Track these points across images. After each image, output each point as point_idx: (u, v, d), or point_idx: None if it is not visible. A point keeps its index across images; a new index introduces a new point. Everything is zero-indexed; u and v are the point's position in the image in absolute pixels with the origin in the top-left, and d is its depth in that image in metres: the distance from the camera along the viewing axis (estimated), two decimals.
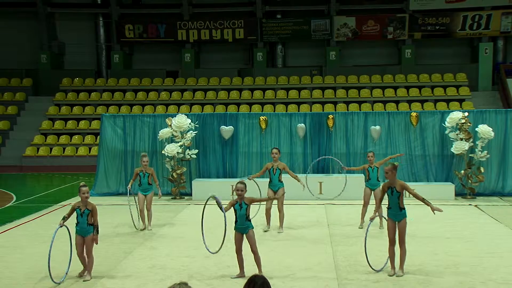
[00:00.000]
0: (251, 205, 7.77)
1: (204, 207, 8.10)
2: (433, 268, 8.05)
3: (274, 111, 23.35)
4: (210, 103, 25.48)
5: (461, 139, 13.85)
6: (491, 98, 25.25)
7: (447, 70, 26.08)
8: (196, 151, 14.72)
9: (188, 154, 14.56)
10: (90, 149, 23.34)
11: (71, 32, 28.55)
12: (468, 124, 13.88)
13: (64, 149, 23.68)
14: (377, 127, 14.57)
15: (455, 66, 26.45)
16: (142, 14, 28.50)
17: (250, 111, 23.40)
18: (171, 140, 14.62)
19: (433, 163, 14.59)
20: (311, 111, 23.43)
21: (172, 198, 14.50)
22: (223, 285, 7.51)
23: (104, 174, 15.14)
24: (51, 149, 23.67)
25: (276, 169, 10.49)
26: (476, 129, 13.91)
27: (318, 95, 25.55)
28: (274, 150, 10.70)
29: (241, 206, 7.62)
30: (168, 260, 8.69)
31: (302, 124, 14.82)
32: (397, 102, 24.82)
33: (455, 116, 13.97)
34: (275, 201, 10.35)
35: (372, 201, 10.71)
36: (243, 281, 4.12)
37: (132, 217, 10.84)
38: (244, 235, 7.68)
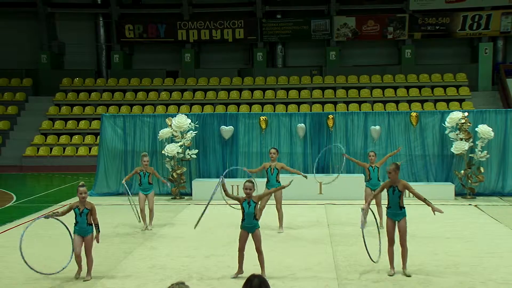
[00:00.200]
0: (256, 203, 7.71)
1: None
2: (433, 268, 8.06)
3: (274, 111, 23.35)
4: (210, 103, 25.49)
5: (461, 139, 13.86)
6: (491, 98, 25.26)
7: (447, 70, 26.08)
8: (196, 151, 14.73)
9: (188, 154, 14.57)
10: (90, 149, 23.34)
11: (71, 32, 28.56)
12: (468, 124, 13.88)
13: (64, 149, 23.68)
14: (377, 127, 14.57)
15: (455, 66, 26.46)
16: (142, 14, 28.51)
17: (250, 111, 23.40)
18: (171, 140, 14.62)
19: (433, 163, 14.60)
20: (311, 111, 23.44)
21: (172, 198, 14.50)
22: (223, 285, 7.51)
23: (104, 174, 15.14)
24: (51, 149, 23.68)
25: (274, 169, 10.49)
26: (476, 129, 13.92)
27: (318, 95, 25.55)
28: (272, 150, 10.71)
29: (249, 204, 7.56)
30: (168, 260, 8.69)
31: (302, 124, 14.83)
32: (397, 102, 24.82)
33: (455, 116, 13.98)
34: (272, 202, 10.32)
35: (373, 201, 10.70)
36: (243, 281, 4.11)
37: (134, 211, 10.88)
38: (250, 234, 7.64)
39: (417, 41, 27.03)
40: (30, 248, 9.43)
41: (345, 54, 27.90)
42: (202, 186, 14.32)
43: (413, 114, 14.73)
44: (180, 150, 14.36)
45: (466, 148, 13.77)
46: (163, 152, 14.38)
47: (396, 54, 27.88)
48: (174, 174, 14.43)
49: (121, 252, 9.20)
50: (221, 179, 7.81)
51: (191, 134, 14.57)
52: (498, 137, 14.16)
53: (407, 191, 7.90)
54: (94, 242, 7.76)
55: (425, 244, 9.38)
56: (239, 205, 7.72)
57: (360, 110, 23.72)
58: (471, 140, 13.89)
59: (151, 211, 10.85)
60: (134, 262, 8.62)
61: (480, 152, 13.81)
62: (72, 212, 7.68)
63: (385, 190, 7.87)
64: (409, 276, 7.70)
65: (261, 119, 15.05)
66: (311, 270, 8.06)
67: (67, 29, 28.62)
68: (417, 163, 14.63)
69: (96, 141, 22.87)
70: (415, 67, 26.64)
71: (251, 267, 7.53)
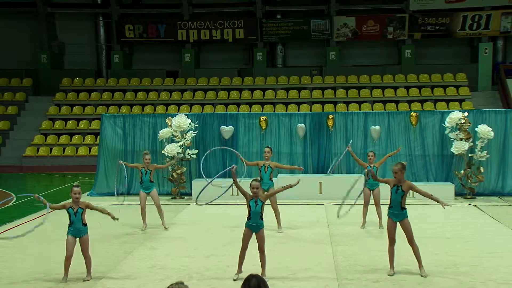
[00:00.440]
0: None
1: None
2: (433, 268, 8.05)
3: (274, 111, 23.36)
4: (210, 103, 25.49)
5: (461, 139, 13.86)
6: (491, 98, 25.27)
7: (447, 70, 26.09)
8: (196, 151, 14.73)
9: (188, 154, 14.57)
10: (90, 149, 23.35)
11: (71, 32, 28.57)
12: (468, 124, 13.89)
13: (64, 149, 23.69)
14: (377, 127, 14.58)
15: (455, 66, 26.47)
16: (142, 14, 28.52)
17: (250, 111, 23.41)
18: (171, 140, 14.63)
19: (433, 163, 14.61)
20: (311, 111, 23.45)
21: (172, 198, 14.51)
22: (223, 285, 7.51)
23: (104, 174, 15.14)
24: (51, 149, 23.69)
25: (267, 168, 10.51)
26: (476, 129, 13.93)
27: (318, 95, 25.56)
28: (267, 149, 10.75)
29: (256, 203, 7.53)
30: (168, 260, 8.69)
31: (302, 124, 14.83)
32: (397, 102, 24.83)
33: (455, 116, 13.98)
34: (267, 202, 10.28)
35: (372, 201, 10.71)
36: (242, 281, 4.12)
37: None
38: (254, 234, 7.62)
39: (417, 41, 27.04)
40: (30, 248, 9.45)
41: (345, 54, 27.91)
42: (202, 186, 14.25)
43: (413, 114, 14.74)
44: (180, 150, 14.37)
45: (466, 148, 13.78)
46: (163, 152, 14.39)
47: (396, 54, 27.89)
48: (174, 174, 14.44)
49: (121, 252, 9.20)
50: (232, 167, 7.80)
51: (191, 134, 14.58)
52: (498, 137, 14.17)
53: (411, 192, 7.85)
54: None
55: (425, 244, 9.37)
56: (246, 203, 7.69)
57: (360, 110, 23.73)
58: (471, 140, 13.90)
59: (159, 208, 10.75)
60: (134, 262, 8.62)
61: (480, 152, 13.82)
62: (64, 212, 7.65)
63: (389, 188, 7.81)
64: (425, 277, 7.64)
65: (261, 119, 15.05)
66: (311, 270, 8.06)
67: (67, 29, 28.63)
68: (417, 163, 14.63)
69: (96, 141, 22.88)
70: (415, 67, 26.65)
71: (251, 267, 7.53)
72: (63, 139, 24.27)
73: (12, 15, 28.30)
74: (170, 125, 14.49)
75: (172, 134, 14.52)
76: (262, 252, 7.66)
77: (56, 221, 11.32)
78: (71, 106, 25.83)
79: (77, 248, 7.70)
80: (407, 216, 7.73)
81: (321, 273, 7.94)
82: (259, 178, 7.97)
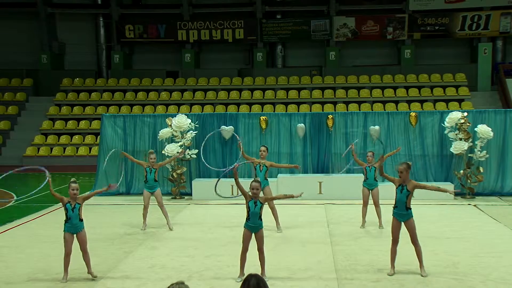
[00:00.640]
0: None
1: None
2: (432, 268, 8.07)
3: (274, 111, 23.38)
4: (210, 103, 25.51)
5: (460, 139, 13.89)
6: (490, 98, 25.29)
7: (447, 70, 26.12)
8: (196, 151, 14.75)
9: (188, 154, 14.60)
10: (90, 149, 23.37)
11: (71, 32, 28.60)
12: (467, 124, 13.91)
13: (64, 149, 23.71)
14: (376, 127, 14.60)
15: (455, 66, 26.48)
16: (142, 14, 28.55)
17: (250, 111, 23.43)
18: (171, 140, 14.65)
19: (432, 163, 14.63)
20: (310, 111, 23.46)
21: (172, 198, 14.53)
22: (223, 285, 7.54)
23: (104, 174, 15.16)
24: (51, 149, 23.71)
25: (262, 167, 10.53)
26: (476, 129, 13.95)
27: (317, 95, 25.58)
28: (262, 148, 10.79)
29: (255, 204, 7.54)
30: (168, 260, 8.71)
31: (302, 124, 14.85)
32: (396, 102, 24.85)
33: (455, 116, 14.01)
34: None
35: (371, 200, 10.74)
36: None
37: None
38: (253, 234, 7.64)
39: (416, 41, 27.06)
40: (30, 248, 9.47)
41: (345, 54, 27.93)
42: (202, 186, 14.36)
43: (412, 114, 14.76)
44: (180, 150, 14.38)
45: (466, 148, 13.80)
46: (163, 152, 14.41)
47: (396, 54, 27.91)
48: (174, 174, 14.46)
49: (121, 252, 9.22)
50: (234, 166, 7.83)
51: (191, 134, 14.60)
52: (497, 137, 14.19)
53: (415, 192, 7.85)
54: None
55: (425, 244, 9.36)
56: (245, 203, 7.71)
57: (359, 110, 23.75)
58: (471, 140, 13.92)
59: (162, 208, 10.76)
60: (134, 261, 8.64)
61: (479, 152, 13.84)
62: (62, 212, 7.68)
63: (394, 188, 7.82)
64: (425, 276, 7.67)
65: (262, 119, 15.07)
66: (311, 270, 8.08)
67: (68, 30, 28.65)
68: (417, 163, 14.65)
69: (96, 141, 22.90)
70: (414, 67, 26.67)
71: (251, 267, 7.54)
72: (64, 139, 24.29)
73: (13, 15, 28.31)
74: (170, 125, 14.51)
75: (172, 134, 14.55)
76: (261, 252, 7.68)
77: (55, 221, 11.35)
78: (71, 106, 25.86)
79: (75, 246, 7.72)
80: (412, 216, 7.73)
81: (321, 273, 7.96)
82: (259, 179, 7.97)
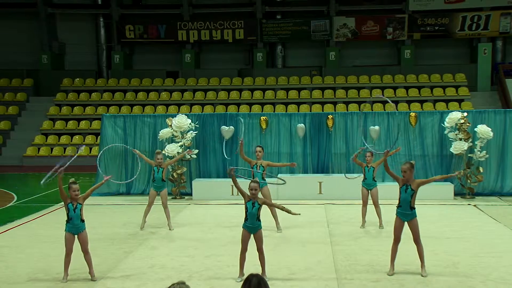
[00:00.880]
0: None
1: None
2: (432, 267, 8.08)
3: (274, 111, 23.39)
4: (210, 103, 25.53)
5: (460, 139, 13.90)
6: (490, 98, 25.30)
7: (446, 70, 26.13)
8: (196, 151, 14.77)
9: (189, 154, 14.59)
10: (90, 149, 23.38)
11: (71, 32, 28.62)
12: (467, 124, 13.92)
13: (64, 149, 23.73)
14: (376, 127, 14.61)
15: (454, 66, 26.49)
16: (142, 14, 28.57)
17: (250, 111, 23.44)
18: (172, 140, 14.67)
19: (432, 163, 14.63)
20: (310, 111, 23.47)
21: (172, 198, 14.53)
22: (223, 285, 7.55)
23: (105, 174, 15.15)
24: (51, 149, 23.73)
25: (259, 167, 10.54)
26: (475, 129, 13.96)
27: (317, 96, 25.59)
28: (258, 148, 10.77)
29: (253, 205, 7.54)
30: (168, 260, 8.73)
31: (302, 124, 14.87)
32: (396, 102, 24.83)
33: (454, 116, 14.02)
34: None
35: (370, 201, 10.75)
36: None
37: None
38: (252, 234, 7.65)
39: (416, 41, 27.07)
40: (30, 248, 9.49)
41: (345, 54, 27.94)
42: (202, 186, 14.38)
43: (412, 114, 14.78)
44: (180, 150, 14.40)
45: (465, 148, 13.82)
46: (163, 152, 14.41)
47: (396, 54, 27.93)
48: (174, 174, 14.48)
49: (121, 252, 9.24)
50: (231, 169, 7.83)
51: (191, 134, 14.62)
52: (497, 137, 14.20)
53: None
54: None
55: (425, 244, 9.34)
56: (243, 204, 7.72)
57: (359, 110, 23.74)
58: (470, 140, 13.93)
59: (165, 208, 10.78)
60: (134, 261, 8.65)
61: (479, 152, 13.86)
62: (63, 212, 7.69)
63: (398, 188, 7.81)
64: (425, 276, 7.68)
65: (262, 119, 15.08)
66: (311, 270, 8.09)
67: (68, 30, 28.67)
68: (417, 163, 14.61)
69: (96, 141, 22.93)
70: (414, 67, 26.68)
71: (251, 267, 7.55)
72: (64, 139, 24.31)
73: (13, 15, 28.33)
74: (171, 125, 14.53)
75: (173, 134, 14.56)
76: (261, 253, 7.69)
77: (55, 221, 11.37)
78: (71, 106, 25.87)
79: (76, 246, 7.73)
80: (416, 216, 7.74)
81: (321, 273, 7.97)
82: (257, 179, 7.99)
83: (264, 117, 15.16)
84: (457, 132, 13.97)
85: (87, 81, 27.18)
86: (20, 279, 7.84)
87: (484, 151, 13.90)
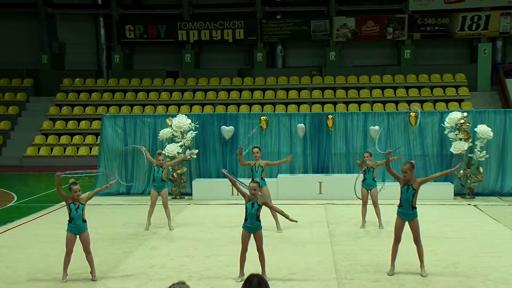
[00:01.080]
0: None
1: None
2: (432, 267, 8.08)
3: (274, 111, 23.39)
4: (210, 103, 25.53)
5: (460, 139, 13.90)
6: (490, 98, 25.30)
7: (446, 70, 26.13)
8: (197, 151, 14.76)
9: (192, 156, 14.58)
10: (90, 149, 23.40)
11: (71, 32, 28.62)
12: (467, 124, 13.92)
13: (64, 149, 23.73)
14: (376, 127, 14.61)
15: (454, 66, 26.50)
16: (142, 14, 28.57)
17: (250, 111, 23.45)
18: (172, 140, 14.67)
19: (432, 163, 14.63)
20: (310, 111, 23.47)
21: (172, 198, 14.53)
22: (223, 285, 7.55)
23: (105, 174, 15.17)
24: (51, 149, 23.73)
25: (258, 167, 10.56)
26: (475, 129, 13.96)
27: (317, 96, 25.60)
28: (255, 149, 10.79)
29: (253, 206, 7.55)
30: (168, 259, 8.73)
31: (302, 124, 14.87)
32: (396, 102, 24.87)
33: (454, 116, 14.02)
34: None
35: (370, 201, 10.75)
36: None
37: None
38: (252, 234, 7.66)
39: (416, 41, 27.07)
40: (30, 248, 9.49)
41: (345, 54, 27.94)
42: (202, 186, 14.38)
43: (412, 114, 14.78)
44: (180, 150, 14.41)
45: (465, 148, 13.82)
46: (163, 152, 14.41)
47: (396, 54, 27.93)
48: (174, 174, 14.48)
49: (121, 252, 9.24)
50: (225, 171, 7.88)
51: (191, 134, 14.62)
52: (497, 137, 14.20)
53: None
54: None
55: (425, 244, 9.35)
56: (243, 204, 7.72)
57: (359, 110, 23.77)
58: (470, 140, 13.93)
59: (166, 208, 10.80)
60: (134, 261, 8.65)
61: (479, 152, 13.86)
62: (63, 212, 7.69)
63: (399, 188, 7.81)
64: (425, 276, 7.69)
65: (262, 119, 15.08)
66: (311, 270, 8.09)
67: (68, 30, 28.68)
68: (417, 163, 14.62)
69: (96, 141, 22.93)
70: (414, 67, 26.68)
71: (251, 267, 7.56)
72: (64, 139, 24.31)
73: (13, 15, 28.33)
74: (171, 125, 14.53)
75: (173, 134, 14.57)
76: (261, 253, 7.69)
77: (55, 221, 11.38)
78: (71, 106, 25.88)
79: (77, 246, 7.73)
80: (417, 216, 7.75)
81: (321, 273, 7.97)
82: (257, 179, 8.00)
83: (264, 117, 15.16)
84: (457, 132, 13.98)
85: (87, 81, 27.18)
86: (20, 279, 7.84)
87: (484, 151, 13.90)
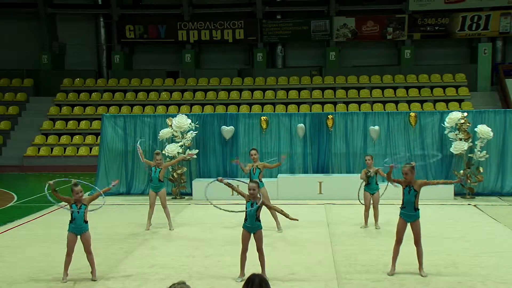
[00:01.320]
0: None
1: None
2: (432, 267, 8.10)
3: (274, 111, 23.39)
4: (211, 104, 25.53)
5: (460, 139, 13.91)
6: (490, 99, 25.29)
7: (446, 70, 26.11)
8: (197, 151, 14.78)
9: (190, 157, 14.60)
10: (91, 149, 23.39)
11: (72, 32, 28.61)
12: (467, 124, 13.93)
13: (65, 149, 23.72)
14: (376, 127, 14.61)
15: (454, 66, 26.48)
16: (142, 14, 28.55)
17: (250, 111, 23.44)
18: (172, 140, 14.68)
19: (432, 163, 14.65)
20: (310, 111, 23.45)
21: (172, 198, 14.55)
22: (223, 285, 7.56)
23: (105, 174, 15.19)
24: (52, 149, 23.72)
25: (255, 169, 10.58)
26: (475, 129, 13.97)
27: (317, 96, 25.59)
28: (253, 151, 10.80)
29: (252, 206, 7.58)
30: (168, 259, 8.74)
31: (302, 124, 14.88)
32: (396, 103, 24.86)
33: (454, 116, 14.03)
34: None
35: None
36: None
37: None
38: (252, 234, 7.67)
39: (416, 41, 27.06)
40: (30, 248, 9.49)
41: (345, 54, 27.93)
42: (202, 186, 14.34)
43: (412, 114, 14.79)
44: (180, 150, 14.42)
45: (466, 148, 13.83)
46: (163, 152, 14.42)
47: (396, 54, 27.92)
48: (174, 174, 14.49)
49: (121, 251, 9.25)
50: (221, 179, 7.89)
51: (191, 134, 14.63)
52: (497, 137, 14.22)
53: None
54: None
55: (425, 244, 9.35)
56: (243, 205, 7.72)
57: (359, 110, 23.76)
58: (470, 140, 13.94)
59: (165, 208, 10.82)
60: (134, 261, 8.66)
61: (479, 152, 13.86)
62: (64, 212, 7.70)
63: (401, 189, 7.83)
64: (424, 276, 7.70)
65: (262, 119, 15.09)
66: (311, 270, 8.10)
67: (68, 30, 28.66)
68: (417, 163, 14.62)
69: (96, 141, 22.91)
70: (414, 67, 26.67)
71: (251, 267, 7.57)
72: (64, 139, 24.30)
73: (13, 15, 28.32)
74: (171, 125, 14.54)
75: (173, 134, 14.57)
76: (261, 253, 7.70)
77: (55, 221, 11.39)
78: (72, 106, 25.87)
79: (78, 246, 7.74)
80: (419, 217, 7.78)
81: (321, 273, 7.98)
82: (257, 180, 8.01)
83: (264, 117, 15.17)
84: (457, 132, 13.98)
85: (87, 81, 27.17)
86: (20, 279, 7.85)
87: (484, 151, 13.91)
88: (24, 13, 28.30)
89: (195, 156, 14.70)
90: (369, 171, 10.54)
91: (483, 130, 13.79)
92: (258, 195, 7.63)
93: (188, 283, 4.03)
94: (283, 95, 25.74)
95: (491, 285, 7.41)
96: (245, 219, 7.65)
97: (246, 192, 7.67)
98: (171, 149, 14.30)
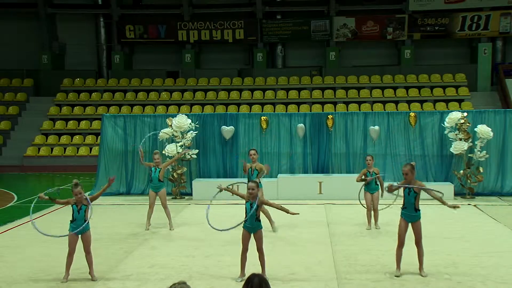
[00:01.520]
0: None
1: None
2: (432, 268, 8.09)
3: (274, 111, 23.40)
4: (211, 104, 25.54)
5: (460, 139, 13.91)
6: (490, 98, 25.30)
7: (446, 70, 26.12)
8: (197, 151, 14.78)
9: (188, 154, 14.62)
10: (91, 149, 23.39)
11: (72, 32, 28.62)
12: (467, 124, 13.93)
13: (65, 149, 23.73)
14: (376, 127, 14.62)
15: (454, 66, 26.49)
16: (142, 14, 28.56)
17: (250, 111, 23.44)
18: (172, 140, 14.68)
19: (432, 163, 14.66)
20: (310, 111, 23.46)
21: (172, 198, 14.54)
22: (223, 285, 7.56)
23: (105, 174, 15.16)
24: (52, 149, 23.73)
25: (254, 170, 10.54)
26: (475, 129, 13.97)
27: (317, 96, 25.60)
28: (252, 152, 10.76)
29: (251, 206, 7.56)
30: (168, 259, 8.74)
31: (302, 124, 14.88)
32: (396, 103, 24.87)
33: (454, 116, 14.03)
34: None
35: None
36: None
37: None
38: (252, 234, 7.67)
39: (416, 41, 27.07)
40: (30, 248, 9.49)
41: (345, 54, 27.94)
42: (202, 186, 14.38)
43: (412, 114, 14.79)
44: (180, 150, 14.42)
45: (465, 148, 13.83)
46: (163, 152, 14.43)
47: (396, 54, 27.92)
48: (174, 174, 14.49)
49: (121, 251, 9.25)
50: (220, 188, 7.91)
51: (191, 134, 14.63)
52: (497, 137, 14.22)
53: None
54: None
55: (425, 244, 9.34)
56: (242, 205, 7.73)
57: (359, 110, 23.76)
58: (470, 140, 13.94)
59: (165, 208, 10.82)
60: (134, 261, 8.66)
61: (479, 152, 13.87)
62: (65, 212, 7.71)
63: (401, 190, 7.81)
64: (424, 276, 7.70)
65: (262, 119, 15.10)
66: (311, 270, 8.10)
67: (68, 30, 28.67)
68: (417, 163, 14.61)
69: (96, 141, 22.92)
70: (414, 67, 26.68)
71: (251, 267, 7.57)
72: (64, 139, 24.31)
73: (13, 15, 28.33)
74: (171, 125, 14.54)
75: (173, 134, 14.57)
76: (261, 253, 7.70)
77: (55, 221, 11.38)
78: (72, 106, 25.88)
79: (78, 246, 7.74)
80: (420, 218, 7.77)
81: (321, 273, 7.98)
82: (257, 180, 8.01)
83: (264, 117, 15.17)
84: (457, 132, 13.99)
85: (87, 81, 27.18)
86: (20, 279, 7.85)
87: (484, 151, 13.91)
88: (24, 13, 28.30)
89: (195, 156, 14.70)
90: (366, 180, 10.52)
91: (483, 130, 13.80)
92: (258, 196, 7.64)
93: (188, 283, 4.04)
94: (283, 95, 25.75)
95: (491, 285, 7.41)
96: (245, 220, 7.65)
97: (245, 193, 7.67)
98: (171, 149, 14.30)
